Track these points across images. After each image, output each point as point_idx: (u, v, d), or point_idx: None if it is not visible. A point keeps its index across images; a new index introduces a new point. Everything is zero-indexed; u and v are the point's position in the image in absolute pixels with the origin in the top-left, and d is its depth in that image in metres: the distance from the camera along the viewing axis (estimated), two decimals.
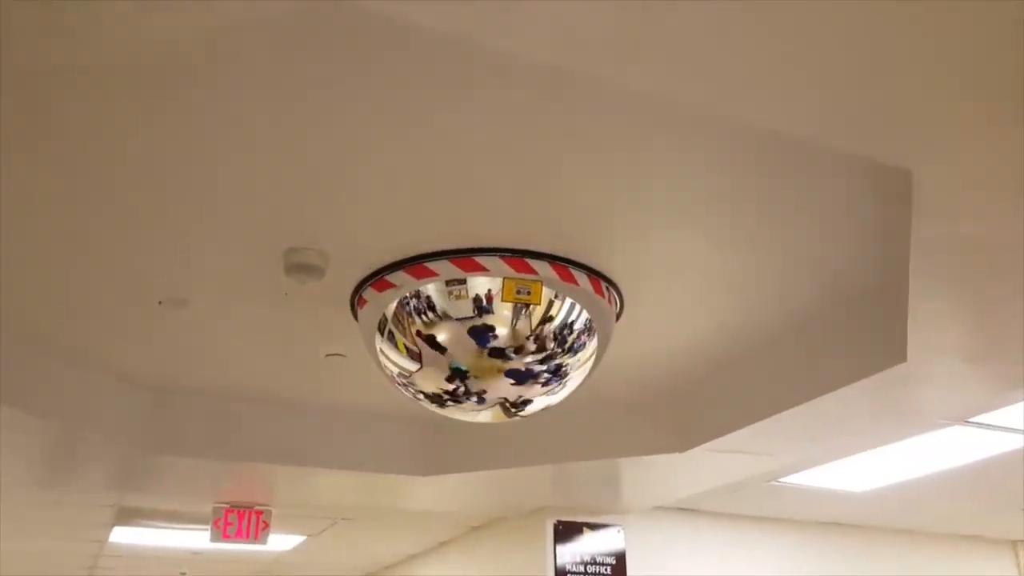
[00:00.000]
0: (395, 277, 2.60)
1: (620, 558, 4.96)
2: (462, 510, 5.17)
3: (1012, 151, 1.76)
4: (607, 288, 2.75)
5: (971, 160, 1.80)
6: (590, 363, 2.88)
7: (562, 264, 2.60)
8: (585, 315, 2.70)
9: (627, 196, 2.29)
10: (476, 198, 2.29)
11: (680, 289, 2.86)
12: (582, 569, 4.86)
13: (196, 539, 5.44)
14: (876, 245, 2.55)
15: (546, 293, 2.59)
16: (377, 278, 2.64)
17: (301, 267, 2.51)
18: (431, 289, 2.59)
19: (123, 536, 5.57)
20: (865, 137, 1.72)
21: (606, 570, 4.92)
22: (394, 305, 2.66)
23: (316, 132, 2.00)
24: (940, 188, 1.90)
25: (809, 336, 3.12)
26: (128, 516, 5.13)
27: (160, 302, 2.82)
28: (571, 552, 4.86)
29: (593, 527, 4.98)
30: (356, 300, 2.79)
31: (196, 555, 6.28)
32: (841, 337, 2.98)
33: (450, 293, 2.58)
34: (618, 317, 2.96)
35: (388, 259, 2.59)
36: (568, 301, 2.64)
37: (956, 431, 3.62)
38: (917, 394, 3.05)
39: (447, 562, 6.14)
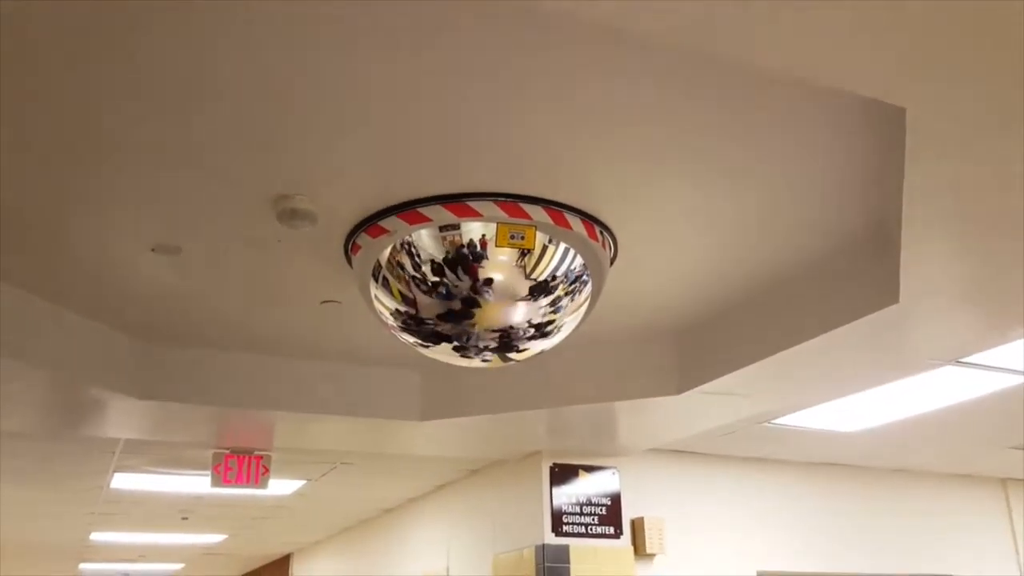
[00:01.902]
0: (388, 223, 2.59)
1: (615, 499, 5.04)
2: (460, 454, 5.23)
3: (1006, 92, 1.75)
4: (601, 233, 2.74)
5: (966, 100, 1.78)
6: (584, 308, 2.89)
7: (556, 208, 2.59)
8: (579, 260, 2.70)
9: (620, 139, 2.28)
10: (466, 142, 2.27)
11: (673, 234, 2.86)
12: (578, 510, 4.94)
13: (197, 484, 5.51)
14: (870, 186, 2.54)
15: (540, 238, 2.58)
16: (370, 224, 2.63)
17: (293, 213, 2.50)
18: (424, 235, 2.58)
19: (123, 482, 5.64)
20: (860, 75, 1.70)
21: (601, 511, 5.00)
22: (388, 251, 2.65)
23: (303, 76, 1.97)
24: (934, 127, 1.88)
25: (802, 279, 3.13)
26: (128, 462, 5.19)
27: (153, 249, 2.81)
28: (567, 494, 4.93)
29: (588, 469, 5.05)
30: (350, 246, 2.78)
31: (197, 500, 6.37)
32: (834, 279, 2.99)
33: (444, 239, 2.58)
34: (612, 262, 2.96)
35: (381, 205, 2.57)
36: (562, 246, 2.63)
37: (948, 371, 3.65)
38: (909, 335, 3.06)
39: (446, 505, 6.23)
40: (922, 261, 2.54)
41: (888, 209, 2.58)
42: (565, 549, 4.79)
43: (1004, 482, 6.43)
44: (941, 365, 3.54)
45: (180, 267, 2.98)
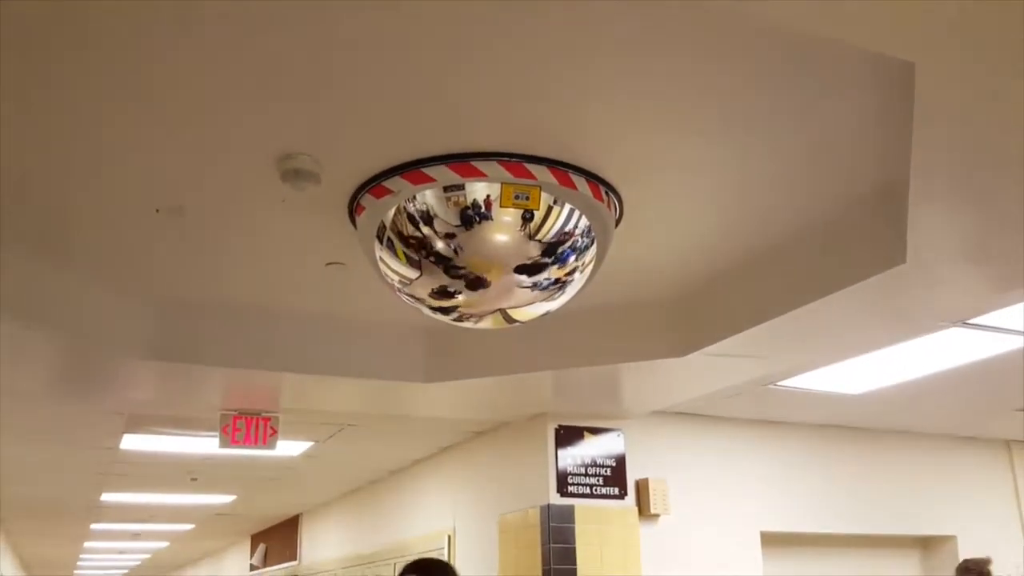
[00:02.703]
0: (392, 183, 2.58)
1: (620, 461, 5.08)
2: (465, 416, 5.26)
3: (1018, 48, 1.72)
4: (606, 193, 2.72)
5: (976, 54, 1.75)
6: (589, 269, 2.88)
7: (561, 169, 2.57)
8: (584, 221, 2.69)
9: (625, 97, 2.25)
10: (471, 101, 2.25)
11: (679, 194, 2.84)
12: (583, 471, 4.97)
13: (205, 445, 5.56)
14: (877, 146, 2.51)
15: (544, 198, 2.57)
16: (374, 184, 2.62)
17: (296, 173, 2.49)
18: (429, 195, 2.57)
19: (133, 443, 5.70)
20: (868, 28, 1.67)
21: (606, 472, 5.04)
22: (392, 212, 2.64)
23: (305, 32, 1.95)
24: (943, 82, 1.86)
25: (808, 239, 3.12)
26: (137, 423, 5.23)
27: (157, 210, 2.81)
28: (572, 456, 4.97)
29: (593, 431, 5.07)
30: (354, 207, 2.77)
31: (206, 461, 6.44)
32: (841, 240, 2.97)
33: (448, 199, 2.56)
34: (617, 223, 2.95)
35: (385, 165, 2.56)
36: (567, 207, 2.62)
37: (954, 333, 3.65)
38: (916, 296, 3.05)
39: (452, 467, 6.28)
40: (930, 221, 2.52)
41: (895, 169, 2.56)
42: (570, 509, 4.84)
43: (1009, 444, 6.45)
44: (948, 327, 3.53)
45: (184, 227, 2.98)
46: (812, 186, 2.78)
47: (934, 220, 2.52)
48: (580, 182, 2.60)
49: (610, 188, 2.73)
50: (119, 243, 3.10)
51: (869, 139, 2.48)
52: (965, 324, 3.51)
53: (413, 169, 2.54)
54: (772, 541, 5.41)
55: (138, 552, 16.11)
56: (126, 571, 22.06)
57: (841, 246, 2.97)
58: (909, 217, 2.47)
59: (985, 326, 3.56)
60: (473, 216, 2.55)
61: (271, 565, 11.37)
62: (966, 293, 3.09)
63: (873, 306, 3.13)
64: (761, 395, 4.88)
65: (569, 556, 4.75)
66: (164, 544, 13.88)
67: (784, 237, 3.16)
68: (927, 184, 2.32)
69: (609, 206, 2.76)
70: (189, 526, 11.14)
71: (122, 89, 2.16)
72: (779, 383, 4.61)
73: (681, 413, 5.30)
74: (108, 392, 4.26)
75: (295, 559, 10.31)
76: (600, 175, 2.65)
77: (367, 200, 2.67)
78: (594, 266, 2.88)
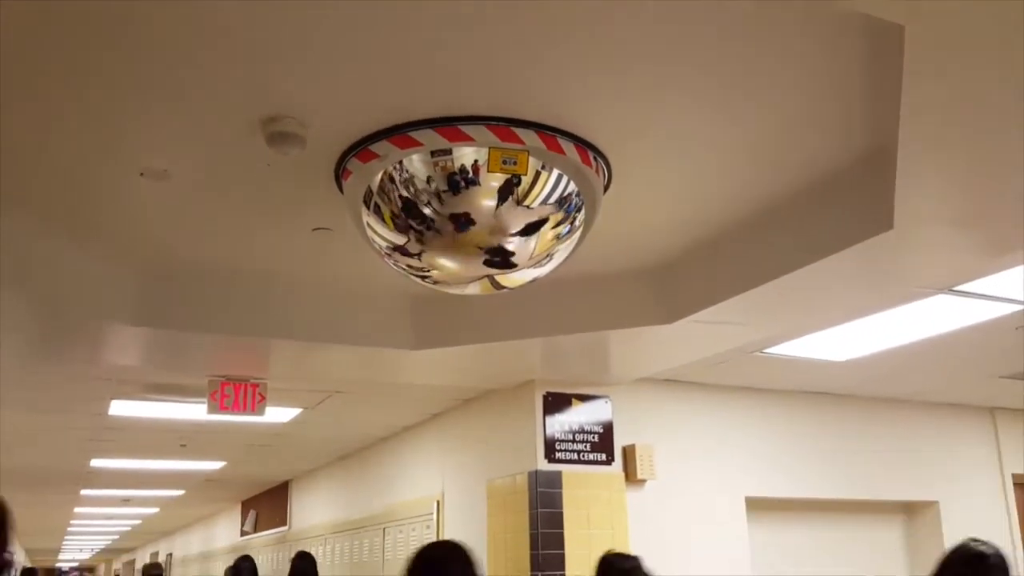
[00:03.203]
0: (379, 147, 2.55)
1: (607, 428, 5.11)
2: (454, 383, 5.28)
3: (1007, 8, 1.71)
4: (595, 158, 2.71)
5: (965, 16, 1.74)
6: (577, 235, 2.87)
7: (549, 133, 2.55)
8: (572, 186, 2.68)
9: (614, 61, 2.23)
10: (458, 64, 2.23)
11: (667, 160, 2.83)
12: (570, 438, 5.01)
13: (194, 412, 5.56)
14: (865, 110, 2.50)
15: (532, 163, 2.55)
16: (361, 148, 2.60)
17: (281, 136, 2.46)
18: (416, 160, 2.55)
19: (122, 409, 5.69)
20: None
21: (593, 438, 5.07)
22: (379, 177, 2.62)
23: None
24: (932, 45, 1.85)
25: (796, 206, 3.11)
26: (125, 390, 5.23)
27: (142, 173, 2.78)
28: (560, 422, 5.00)
29: (581, 398, 5.10)
30: (340, 171, 2.75)
31: (195, 427, 6.44)
32: (828, 206, 2.97)
33: (435, 164, 2.54)
34: (606, 188, 2.94)
35: (371, 129, 2.53)
36: (555, 172, 2.60)
37: (940, 300, 3.67)
38: (903, 262, 3.06)
39: (440, 433, 6.32)
40: (918, 187, 2.52)
41: (883, 135, 2.55)
42: (558, 475, 4.88)
43: (992, 411, 6.52)
44: (934, 293, 3.55)
45: (169, 192, 2.95)
46: (800, 152, 2.77)
47: (922, 186, 2.52)
48: (568, 147, 2.58)
49: (599, 153, 2.71)
50: (103, 207, 3.07)
51: (857, 104, 2.47)
52: (951, 291, 3.53)
53: (400, 133, 2.52)
54: (757, 506, 5.48)
55: (129, 518, 16.19)
56: (116, 537, 22.19)
57: (828, 212, 2.97)
58: (897, 183, 2.47)
59: (971, 293, 3.58)
60: (460, 181, 2.53)
61: (262, 531, 11.46)
62: (952, 259, 3.10)
63: (859, 273, 3.14)
64: (747, 362, 4.91)
65: (556, 521, 4.80)
66: (154, 510, 13.94)
67: (771, 203, 3.16)
68: (916, 149, 2.31)
69: (598, 171, 2.75)
70: (179, 492, 11.19)
71: (104, 50, 2.13)
72: (765, 350, 4.63)
73: (668, 380, 5.33)
74: (93, 358, 4.25)
75: (285, 524, 10.38)
76: (589, 140, 2.64)
77: (353, 164, 2.65)
78: (582, 232, 2.88)
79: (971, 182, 2.51)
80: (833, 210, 2.95)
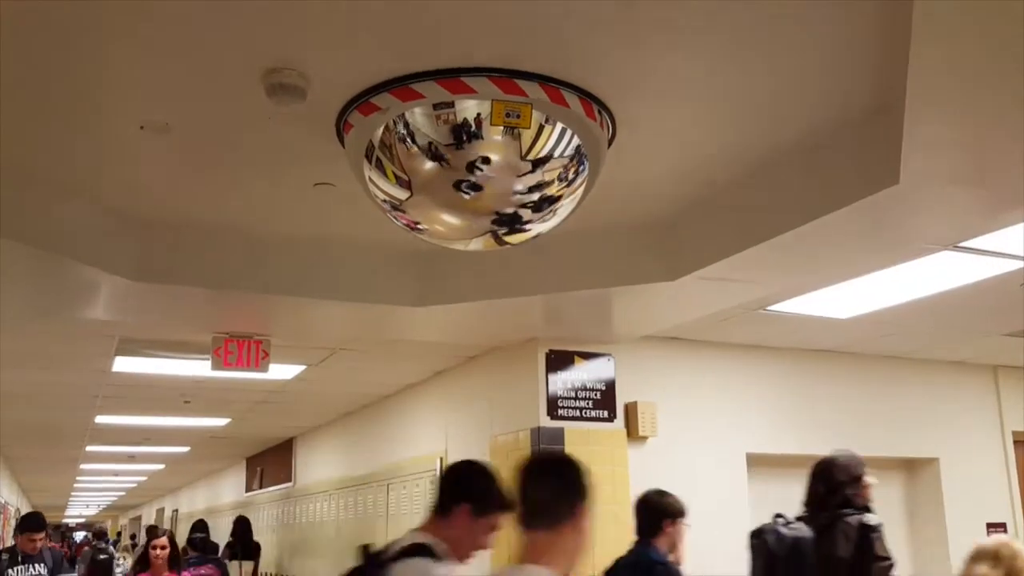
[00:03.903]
0: (381, 99, 2.52)
1: (610, 385, 5.13)
2: (457, 340, 5.28)
3: None
4: (599, 111, 2.68)
5: None
6: (580, 191, 2.85)
7: (553, 85, 2.52)
8: (576, 141, 2.65)
9: (618, 12, 2.19)
10: (460, 14, 2.19)
11: (673, 113, 2.79)
12: (573, 395, 5.03)
13: (198, 368, 5.58)
14: (872, 66, 2.46)
15: (536, 116, 2.52)
16: (362, 101, 2.56)
17: (282, 88, 2.44)
18: (418, 113, 2.52)
19: (125, 365, 5.72)
20: None
21: (596, 395, 5.09)
22: (381, 130, 2.60)
23: None
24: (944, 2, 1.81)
25: (802, 161, 3.08)
26: (129, 346, 5.24)
27: (142, 127, 2.76)
28: (562, 380, 5.01)
29: (584, 356, 5.11)
30: (342, 125, 2.72)
31: (199, 384, 6.48)
32: (834, 161, 2.94)
33: (438, 117, 2.51)
34: (610, 143, 2.91)
35: (373, 81, 2.50)
36: (559, 126, 2.58)
37: (945, 256, 3.65)
38: (908, 218, 3.03)
39: (444, 391, 6.35)
40: (924, 141, 2.49)
41: (890, 89, 2.51)
42: (560, 431, 4.91)
43: (995, 369, 6.52)
44: (939, 250, 3.53)
45: (170, 146, 2.93)
46: (806, 107, 2.74)
47: (929, 140, 2.49)
48: (572, 99, 2.55)
49: (603, 106, 2.68)
50: (103, 161, 3.05)
51: (864, 59, 2.43)
52: (956, 247, 3.51)
53: (402, 85, 2.48)
54: (758, 463, 5.51)
55: (134, 475, 16.38)
56: (123, 493, 22.46)
57: (833, 168, 2.94)
58: (904, 137, 2.44)
59: (976, 249, 3.56)
60: (463, 135, 2.50)
61: (267, 487, 11.58)
62: (958, 215, 3.07)
63: (864, 229, 3.12)
64: (750, 319, 4.91)
65: None
66: (160, 466, 14.10)
67: (776, 159, 3.13)
68: (923, 103, 2.28)
69: (602, 125, 2.72)
70: (184, 449, 11.29)
71: (102, 3, 2.09)
72: (768, 307, 4.63)
73: (671, 338, 5.34)
74: (97, 314, 4.25)
75: (290, 481, 10.49)
76: (593, 92, 2.60)
77: (355, 118, 2.62)
78: (585, 187, 2.85)
79: (978, 136, 2.48)
80: (839, 166, 2.92)
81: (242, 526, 9.59)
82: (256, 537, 9.84)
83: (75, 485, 18.94)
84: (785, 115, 2.80)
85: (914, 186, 2.69)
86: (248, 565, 9.38)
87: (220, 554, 8.91)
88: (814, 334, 5.44)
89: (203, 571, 7.28)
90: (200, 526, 9.05)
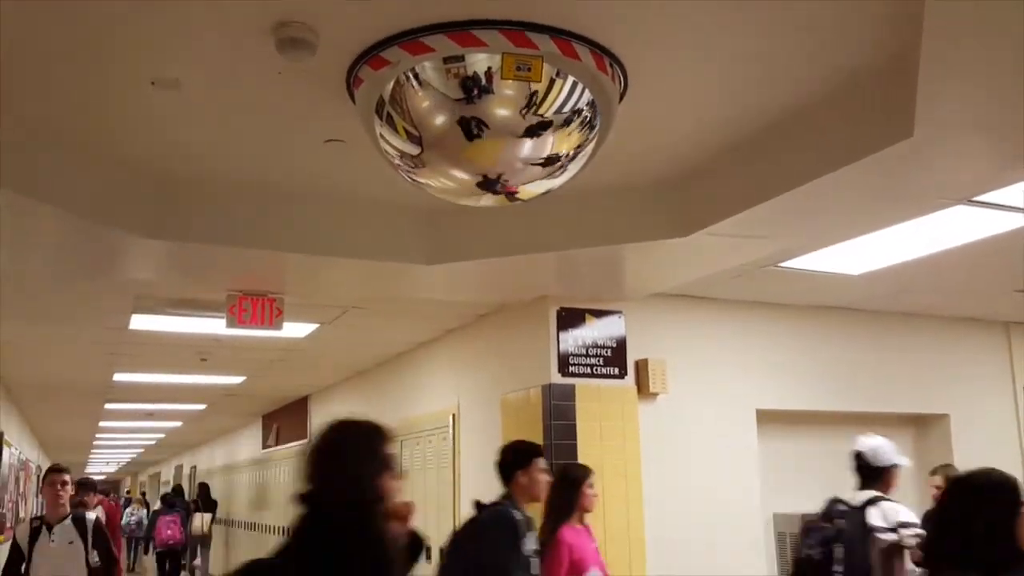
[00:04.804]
0: (390, 54, 2.52)
1: (620, 343, 5.15)
2: (468, 298, 5.31)
3: None
4: (611, 64, 2.66)
5: None
6: (592, 146, 2.84)
7: (564, 38, 2.50)
8: (587, 95, 2.63)
9: None
10: None
11: (684, 66, 2.77)
12: (584, 352, 5.05)
13: (213, 326, 5.64)
14: (886, 18, 2.43)
15: (547, 70, 2.50)
16: (372, 55, 2.56)
17: (292, 42, 2.43)
18: (428, 67, 2.51)
19: (142, 323, 5.78)
20: None
21: (607, 352, 5.12)
22: (391, 85, 2.59)
23: None
24: None
25: (814, 115, 3.05)
26: (146, 304, 5.29)
27: (153, 83, 2.76)
28: (573, 337, 5.04)
29: (595, 314, 5.13)
30: (352, 80, 2.72)
31: (215, 342, 6.54)
32: (849, 115, 2.92)
33: (448, 71, 2.50)
34: (622, 97, 2.89)
35: (382, 35, 2.49)
36: (570, 79, 2.56)
37: (958, 211, 3.62)
38: (922, 172, 3.01)
39: (455, 348, 6.39)
40: (939, 93, 2.47)
41: (904, 41, 2.49)
42: (571, 388, 4.94)
43: (1007, 326, 6.50)
44: (952, 204, 3.51)
45: (181, 102, 2.93)
46: (819, 60, 2.71)
47: (944, 92, 2.47)
48: (584, 52, 2.53)
49: (615, 60, 2.66)
50: (115, 118, 3.06)
51: (878, 10, 2.40)
52: (970, 201, 3.48)
53: (411, 39, 2.47)
54: (767, 418, 5.55)
55: (153, 432, 16.61)
56: (141, 451, 22.80)
57: (847, 122, 2.92)
58: (919, 88, 2.42)
59: (991, 203, 3.53)
60: (473, 89, 2.49)
61: (282, 444, 11.74)
62: (973, 168, 3.05)
63: (878, 183, 3.10)
64: (761, 276, 4.90)
65: (570, 432, 4.89)
66: (178, 424, 14.29)
67: (789, 112, 3.10)
68: (939, 54, 2.26)
69: (614, 79, 2.70)
70: (201, 406, 11.43)
71: None
72: (780, 264, 4.62)
73: (681, 295, 5.34)
74: (113, 272, 4.29)
75: (306, 438, 10.63)
76: (605, 45, 2.58)
77: (365, 72, 2.62)
78: (596, 142, 2.84)
79: (994, 86, 2.45)
80: (852, 119, 2.90)
81: (203, 490, 14.32)
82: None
83: (94, 443, 19.23)
84: (798, 69, 2.78)
85: (928, 139, 2.67)
86: (207, 516, 13.48)
87: (187, 508, 13.41)
88: (825, 291, 5.43)
89: (169, 517, 12.14)
90: (177, 490, 15.22)
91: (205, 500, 13.93)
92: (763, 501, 5.47)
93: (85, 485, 6.74)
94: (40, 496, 6.56)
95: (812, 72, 2.80)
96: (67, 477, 5.06)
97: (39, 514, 5.73)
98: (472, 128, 2.54)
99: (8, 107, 2.88)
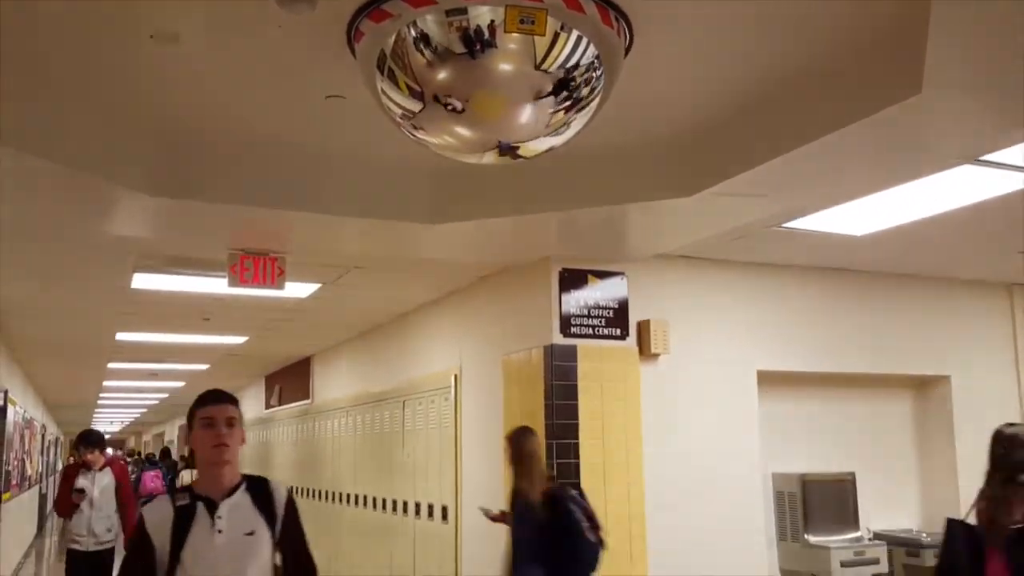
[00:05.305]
0: (392, 6, 2.47)
1: (622, 304, 5.15)
2: (471, 259, 5.30)
3: None
4: (616, 19, 2.61)
5: None
6: (595, 103, 2.80)
7: None
8: (592, 50, 2.59)
9: None
10: None
11: (692, 21, 2.72)
12: (586, 313, 5.06)
13: (215, 285, 5.64)
14: None
15: (551, 23, 2.46)
16: (373, 7, 2.51)
17: None
18: (430, 20, 2.47)
19: (144, 282, 5.78)
20: None
21: (609, 313, 5.12)
22: (392, 39, 2.55)
23: None
24: None
25: (823, 73, 3.00)
26: (148, 263, 5.28)
27: (152, 36, 2.72)
28: (576, 298, 5.04)
29: (597, 274, 5.12)
30: (353, 34, 2.68)
31: (217, 301, 6.55)
32: (856, 73, 2.87)
33: (450, 24, 2.46)
34: (626, 52, 2.84)
35: None
36: (574, 34, 2.52)
37: (965, 171, 3.59)
38: (930, 130, 2.98)
39: (458, 309, 6.39)
40: (949, 45, 2.43)
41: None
42: (573, 348, 4.96)
43: (1010, 287, 6.49)
44: (960, 163, 3.48)
45: (181, 57, 2.89)
46: (827, 17, 2.66)
47: (952, 48, 2.43)
48: (589, 5, 2.49)
49: (620, 14, 2.61)
50: (115, 73, 3.02)
51: None
52: (976, 161, 3.45)
53: None
54: (768, 380, 5.56)
55: (156, 392, 16.73)
56: (145, 411, 22.97)
57: (854, 79, 2.88)
58: (928, 44, 2.38)
59: (998, 163, 3.50)
60: (476, 43, 2.46)
61: (286, 404, 11.82)
62: (980, 126, 3.01)
63: (886, 140, 3.07)
64: (765, 237, 4.88)
65: (571, 392, 4.91)
66: (181, 383, 14.37)
67: (797, 70, 3.05)
68: (948, 12, 2.22)
69: (619, 33, 2.66)
70: (204, 366, 11.49)
71: None
72: (784, 224, 4.59)
73: (684, 256, 5.33)
74: (113, 230, 4.28)
75: (308, 398, 10.69)
76: None
77: (366, 25, 2.57)
78: (600, 99, 2.81)
79: (1003, 44, 2.41)
80: (860, 77, 2.86)
81: (166, 453, 16.68)
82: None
83: (98, 402, 19.36)
84: (805, 26, 2.73)
85: (937, 96, 2.64)
86: (195, 471, 14.41)
87: (171, 466, 14.77)
88: (829, 252, 5.42)
89: (152, 472, 12.01)
90: (164, 451, 17.04)
91: (191, 458, 16.03)
92: (763, 461, 5.51)
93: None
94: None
95: (819, 30, 2.75)
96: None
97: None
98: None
99: (8, 63, 2.85)
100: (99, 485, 6.32)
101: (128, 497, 6.51)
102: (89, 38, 2.75)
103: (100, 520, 6.26)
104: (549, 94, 2.60)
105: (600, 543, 3.98)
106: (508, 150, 2.88)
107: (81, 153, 3.34)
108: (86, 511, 6.21)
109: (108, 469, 6.46)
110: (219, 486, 2.48)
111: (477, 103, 2.61)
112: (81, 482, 6.22)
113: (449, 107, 2.61)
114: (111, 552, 6.32)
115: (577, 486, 4.48)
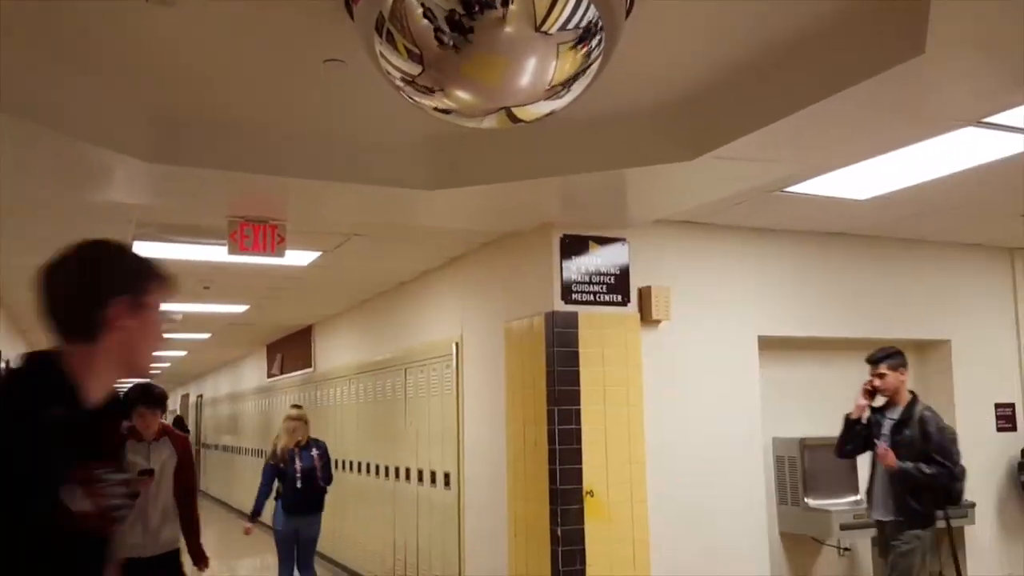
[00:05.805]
0: None
1: (624, 270, 5.15)
2: (471, 225, 5.28)
3: None
4: None
5: None
6: (596, 65, 2.77)
7: None
8: (592, 11, 2.56)
9: None
10: None
11: None
12: (587, 279, 5.05)
13: (216, 253, 5.63)
14: None
15: None
16: None
17: None
18: None
19: (143, 250, 5.72)
20: None
21: (610, 280, 5.12)
22: (391, 0, 2.51)
23: None
24: None
25: (826, 35, 2.97)
26: (147, 230, 5.27)
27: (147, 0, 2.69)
28: (577, 264, 5.03)
29: (599, 241, 5.11)
30: None
31: (217, 270, 6.54)
32: (859, 34, 2.84)
33: None
34: (628, 13, 2.81)
35: None
36: None
37: (968, 133, 3.57)
38: (933, 91, 2.95)
39: (459, 277, 6.39)
40: (952, 9, 2.40)
41: None
42: (574, 316, 4.96)
43: (1012, 252, 6.48)
44: (963, 125, 3.45)
45: (176, 21, 2.86)
46: None
47: (957, 8, 2.40)
48: None
49: None
50: (111, 38, 2.99)
51: None
52: (979, 123, 3.43)
53: None
54: (769, 345, 5.57)
55: (158, 361, 16.78)
56: (147, 380, 23.03)
57: (856, 40, 2.85)
58: (932, 4, 2.35)
59: (1000, 125, 3.47)
60: (474, 4, 2.42)
61: (287, 372, 11.86)
62: (984, 88, 2.98)
63: (889, 102, 3.04)
64: (766, 202, 4.86)
65: (572, 359, 4.92)
66: (182, 353, 14.42)
67: (799, 32, 3.02)
68: None
69: None
70: (205, 335, 11.51)
71: None
72: (786, 188, 4.57)
73: (685, 222, 5.32)
74: (112, 197, 4.26)
75: (310, 367, 10.72)
76: None
77: None
78: (601, 62, 2.77)
79: (1008, 4, 2.38)
80: (863, 38, 2.83)
81: (179, 421, 18.69)
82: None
83: None
84: None
85: (940, 56, 2.61)
86: None
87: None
88: (831, 217, 5.40)
89: None
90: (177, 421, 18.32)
91: (181, 428, 16.47)
92: (763, 426, 5.54)
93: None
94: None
95: None
96: None
97: None
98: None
99: (6, 30, 2.81)
100: (157, 461, 4.58)
101: (193, 482, 4.86)
102: (85, 3, 2.71)
103: (158, 513, 4.47)
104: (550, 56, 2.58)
105: None
106: (507, 112, 2.86)
107: (77, 119, 3.32)
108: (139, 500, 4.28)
109: (166, 438, 4.74)
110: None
111: (476, 66, 2.59)
112: (133, 457, 4.38)
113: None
114: (175, 557, 4.54)
115: None
